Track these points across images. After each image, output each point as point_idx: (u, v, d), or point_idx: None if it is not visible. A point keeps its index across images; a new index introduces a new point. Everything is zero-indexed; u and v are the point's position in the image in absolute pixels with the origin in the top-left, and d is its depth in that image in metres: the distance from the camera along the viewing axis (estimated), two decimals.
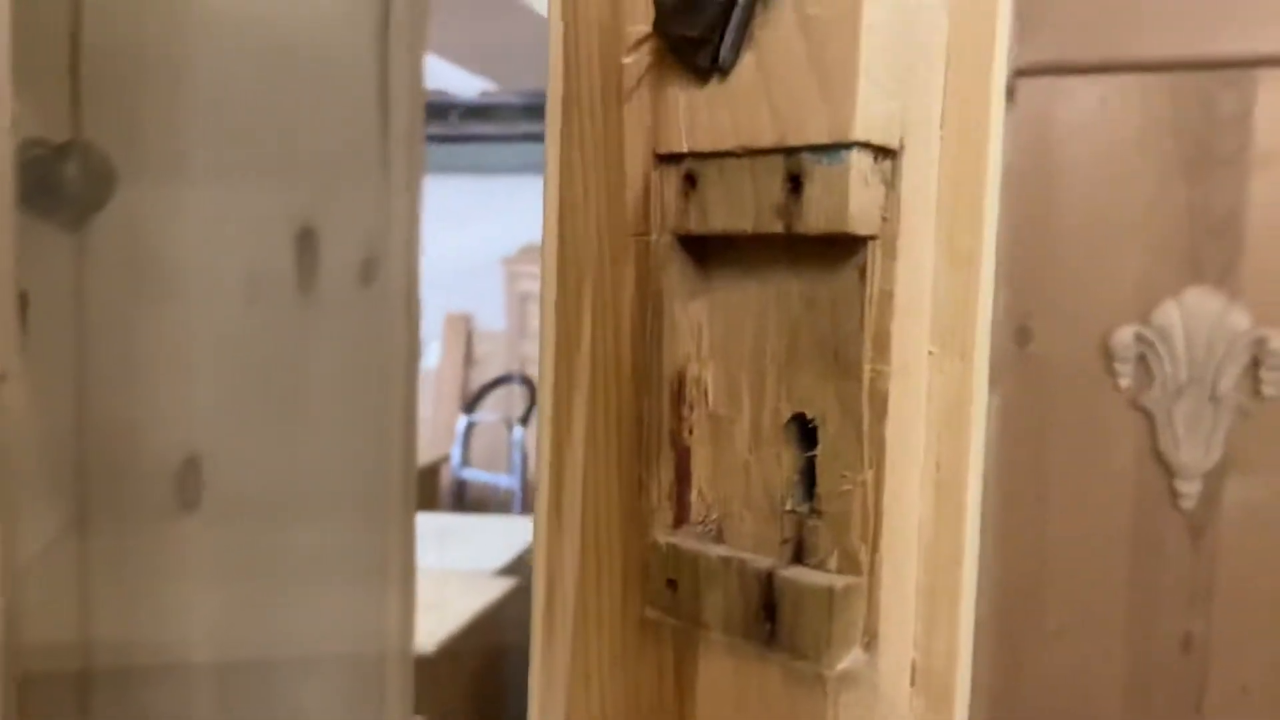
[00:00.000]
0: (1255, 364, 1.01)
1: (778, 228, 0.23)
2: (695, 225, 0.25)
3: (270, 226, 0.90)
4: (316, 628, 1.03)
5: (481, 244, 4.78)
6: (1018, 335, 1.07)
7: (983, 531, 0.79)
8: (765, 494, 0.25)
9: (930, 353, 0.24)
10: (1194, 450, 1.03)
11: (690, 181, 0.25)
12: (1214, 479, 1.03)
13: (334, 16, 1.03)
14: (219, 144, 0.85)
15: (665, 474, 0.26)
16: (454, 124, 4.63)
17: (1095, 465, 1.06)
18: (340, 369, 1.11)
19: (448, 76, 3.93)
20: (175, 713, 0.91)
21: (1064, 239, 1.06)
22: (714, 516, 0.26)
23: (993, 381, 0.87)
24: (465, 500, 4.33)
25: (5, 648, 0.77)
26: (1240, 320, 1.00)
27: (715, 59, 0.24)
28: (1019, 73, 1.08)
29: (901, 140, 0.23)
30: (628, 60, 0.25)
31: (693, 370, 0.26)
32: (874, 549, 0.24)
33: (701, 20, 0.23)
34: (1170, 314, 1.02)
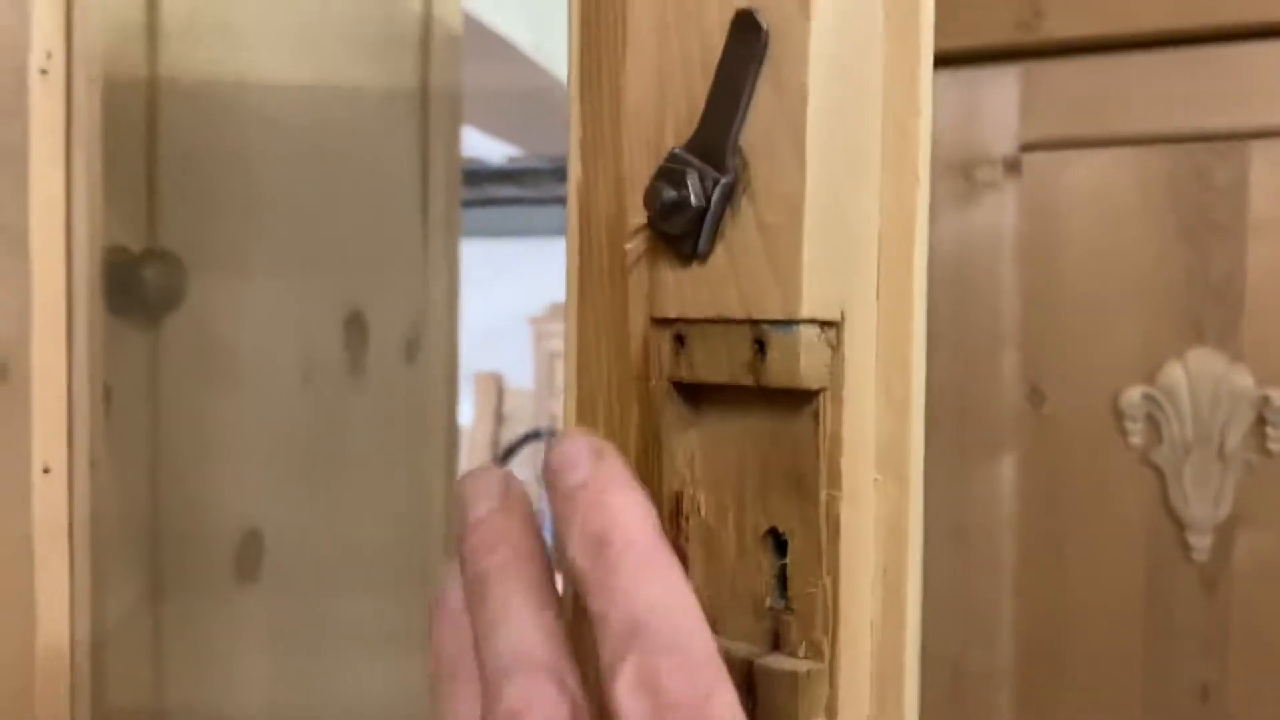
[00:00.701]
0: (1261, 421, 1.05)
1: (749, 381, 0.29)
2: (685, 375, 0.31)
3: (322, 313, 0.96)
4: (367, 694, 1.08)
5: (509, 304, 4.85)
6: (1031, 397, 1.12)
7: (1001, 586, 0.85)
8: (749, 594, 0.31)
9: (875, 479, 0.29)
10: (1204, 505, 1.07)
11: (680, 340, 0.31)
12: (1225, 532, 1.07)
13: (377, 111, 1.11)
14: (276, 240, 0.92)
15: None
16: (483, 188, 4.72)
17: (1109, 520, 1.10)
18: (386, 443, 1.17)
19: (476, 142, 4.02)
20: None
21: (1071, 304, 1.11)
22: (709, 612, 0.31)
23: (1007, 442, 0.92)
24: None
25: (92, 712, 0.84)
26: (1243, 380, 1.05)
27: (695, 249, 0.30)
28: (1024, 148, 1.13)
29: (842, 312, 0.29)
30: (629, 246, 0.31)
31: (688, 490, 0.32)
32: (834, 640, 0.29)
33: (682, 221, 0.29)
34: (1175, 374, 1.07)
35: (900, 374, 0.29)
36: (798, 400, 0.29)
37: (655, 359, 0.32)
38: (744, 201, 0.29)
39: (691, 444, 0.32)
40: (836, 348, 0.29)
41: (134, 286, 0.89)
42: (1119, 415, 1.09)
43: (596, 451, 0.29)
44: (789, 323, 0.28)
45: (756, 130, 0.29)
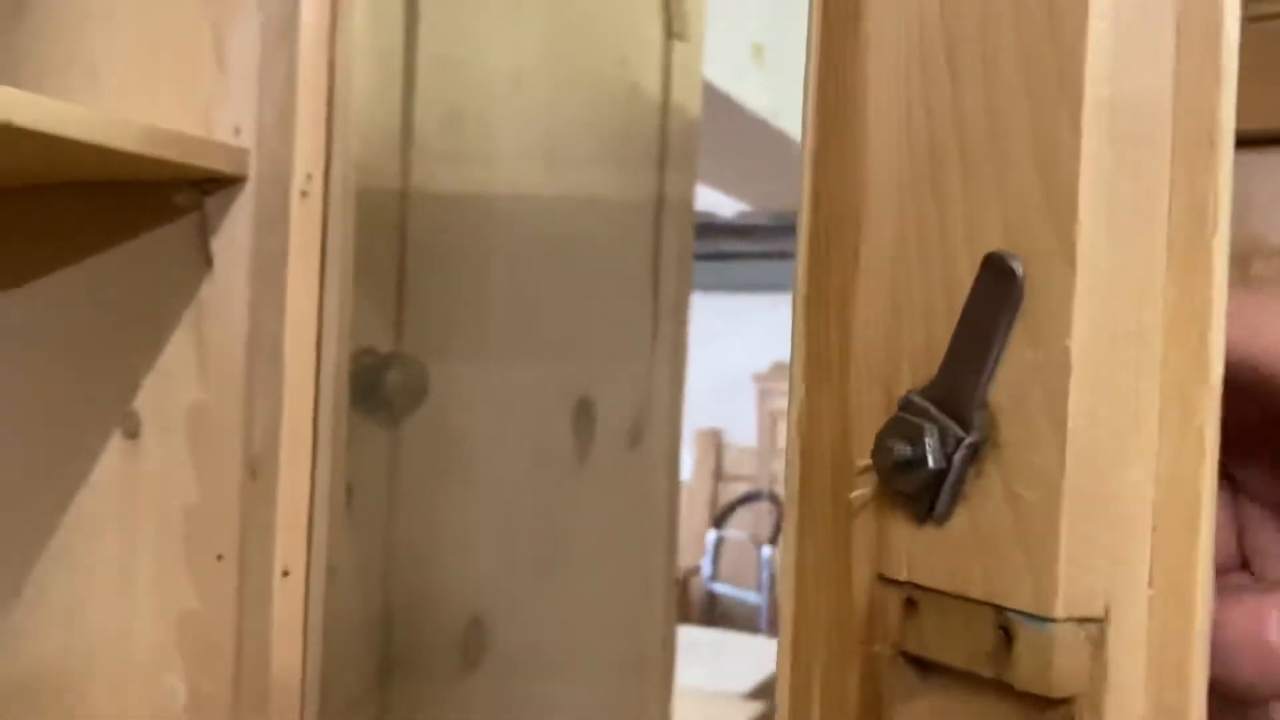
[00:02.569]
0: None
1: (989, 673, 0.24)
2: (914, 647, 0.26)
3: (552, 402, 0.95)
4: None
5: (734, 360, 4.78)
6: None
7: None
8: None
9: None
10: None
11: (911, 605, 0.26)
12: None
13: (614, 211, 1.10)
14: (512, 334, 0.92)
15: None
16: (713, 242, 4.67)
17: None
18: (608, 528, 1.15)
19: (706, 197, 4.02)
20: None
21: None
22: None
23: None
24: (715, 613, 4.33)
25: None
26: None
27: (931, 511, 0.25)
28: None
29: (1107, 608, 0.23)
30: (853, 495, 0.27)
31: None
32: None
33: (916, 481, 0.25)
34: None
35: (1176, 679, 0.23)
36: (1047, 703, 0.24)
37: (881, 621, 0.27)
38: (991, 466, 0.24)
39: (923, 716, 0.27)
40: (1099, 647, 0.24)
41: (379, 388, 0.91)
42: None
43: None
44: (1043, 619, 0.23)
45: (1008, 387, 0.24)
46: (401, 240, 0.90)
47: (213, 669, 0.85)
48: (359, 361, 0.90)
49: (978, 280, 0.24)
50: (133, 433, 0.88)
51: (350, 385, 0.89)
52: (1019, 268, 0.23)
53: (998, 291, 0.24)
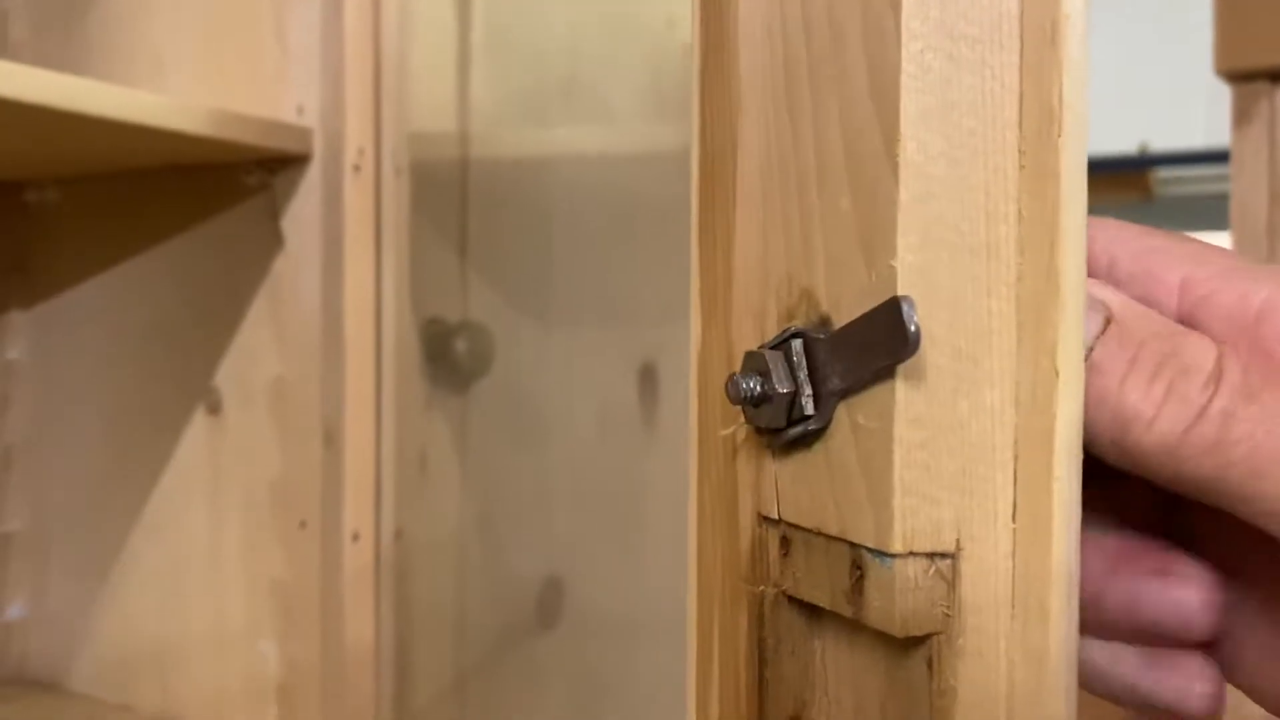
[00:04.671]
0: None
1: (848, 612, 0.23)
2: (789, 588, 0.25)
3: (617, 367, 0.95)
4: None
5: None
6: None
7: None
8: None
9: None
10: None
11: (786, 545, 0.25)
12: None
13: (674, 169, 1.08)
14: (575, 300, 0.92)
15: None
16: None
17: None
18: (678, 491, 1.15)
19: None
20: None
21: None
22: None
23: None
24: None
25: None
26: None
27: (791, 445, 0.24)
28: None
29: (958, 541, 0.22)
30: (726, 433, 0.26)
31: (809, 713, 0.26)
32: None
33: (768, 414, 0.24)
34: None
35: (1039, 618, 0.22)
36: (906, 643, 0.23)
37: (763, 561, 0.26)
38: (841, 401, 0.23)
39: (811, 658, 0.26)
40: (952, 583, 0.22)
41: (448, 356, 0.92)
42: None
43: None
44: (885, 554, 0.22)
45: (852, 310, 0.22)
46: (463, 209, 0.91)
47: (301, 634, 0.88)
48: (428, 331, 0.91)
49: (823, 206, 0.23)
50: (215, 408, 0.92)
51: (420, 354, 0.91)
52: (912, 323, 0.21)
53: (887, 336, 0.22)
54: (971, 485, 0.22)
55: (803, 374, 0.23)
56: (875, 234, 0.21)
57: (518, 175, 0.89)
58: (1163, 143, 3.49)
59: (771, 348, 0.24)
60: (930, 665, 0.22)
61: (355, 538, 0.82)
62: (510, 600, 0.93)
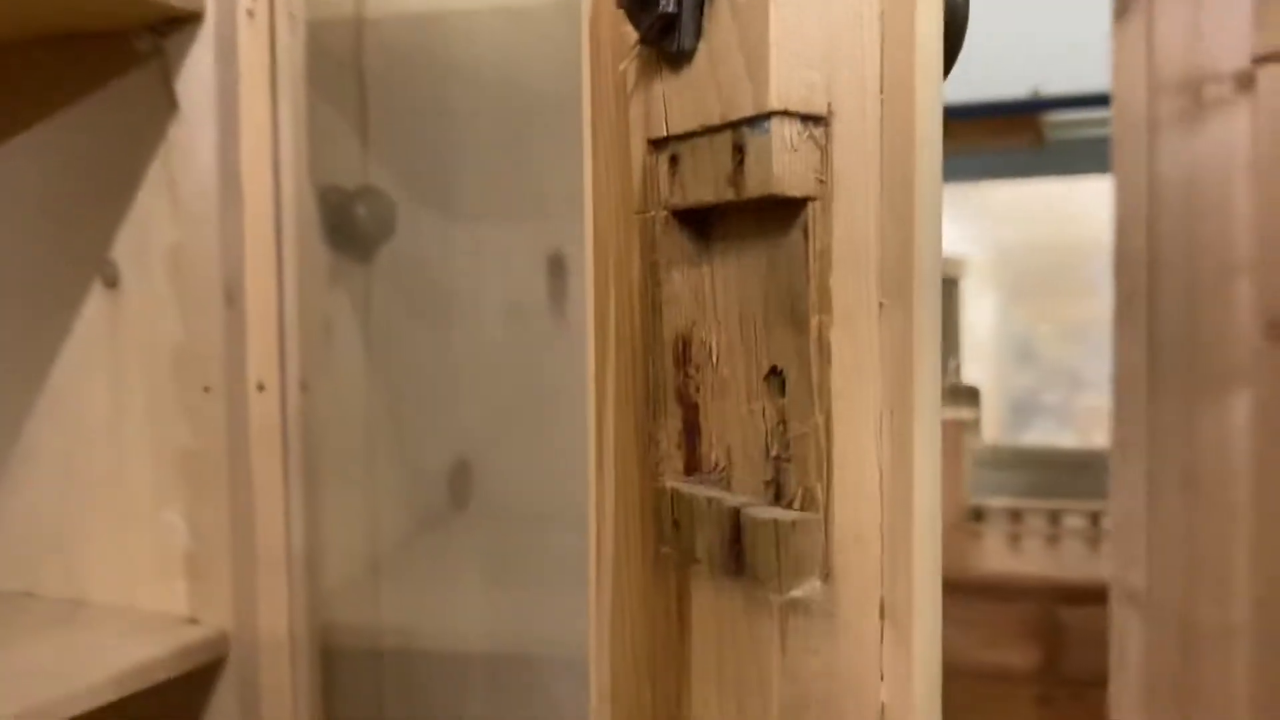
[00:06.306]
0: None
1: (730, 195, 0.24)
2: (678, 200, 0.26)
3: (525, 255, 0.96)
4: (574, 621, 1.08)
5: None
6: (1268, 331, 0.98)
7: (1235, 535, 0.74)
8: (757, 442, 0.26)
9: (881, 304, 0.24)
10: None
11: (675, 161, 0.26)
12: None
13: (576, 63, 1.09)
14: (480, 185, 0.92)
15: (672, 427, 0.28)
16: None
17: None
18: (583, 381, 1.16)
19: None
20: (448, 696, 0.98)
21: None
22: (723, 465, 0.27)
23: (1242, 380, 0.80)
24: None
25: (308, 624, 0.86)
26: None
27: (679, 51, 0.25)
28: (1259, 60, 0.99)
29: (830, 106, 0.23)
30: (622, 66, 0.27)
31: (699, 333, 0.27)
32: (828, 489, 0.24)
33: (652, 17, 0.25)
34: None
35: (904, 180, 0.23)
36: (788, 214, 0.24)
37: (653, 186, 0.27)
38: None
39: (703, 281, 0.27)
40: (825, 148, 0.24)
41: (349, 222, 0.92)
42: None
43: None
44: (761, 118, 0.23)
45: None
46: (359, 74, 0.90)
47: (209, 501, 0.87)
48: (327, 199, 0.91)
49: None
50: (112, 281, 0.90)
51: (320, 222, 0.90)
52: None
53: None
54: (841, 53, 0.23)
55: None
56: None
57: (414, 35, 0.88)
58: (1054, 87, 3.57)
59: None
60: (806, 231, 0.24)
61: (260, 388, 0.81)
62: (421, 473, 0.94)
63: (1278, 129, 0.99)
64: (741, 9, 0.23)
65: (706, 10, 0.24)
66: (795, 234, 0.24)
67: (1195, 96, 1.02)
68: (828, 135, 0.23)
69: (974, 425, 2.60)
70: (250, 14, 0.78)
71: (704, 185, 0.25)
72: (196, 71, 0.85)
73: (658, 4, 0.24)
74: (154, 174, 0.89)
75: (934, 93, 0.23)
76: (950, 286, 2.99)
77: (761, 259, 0.25)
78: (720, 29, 0.24)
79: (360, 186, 0.91)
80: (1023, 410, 3.80)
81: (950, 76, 0.24)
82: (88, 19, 0.82)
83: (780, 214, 0.24)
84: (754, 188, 0.24)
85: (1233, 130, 1.01)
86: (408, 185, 0.92)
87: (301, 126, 0.83)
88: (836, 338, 0.24)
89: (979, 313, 3.51)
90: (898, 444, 0.24)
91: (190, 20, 0.84)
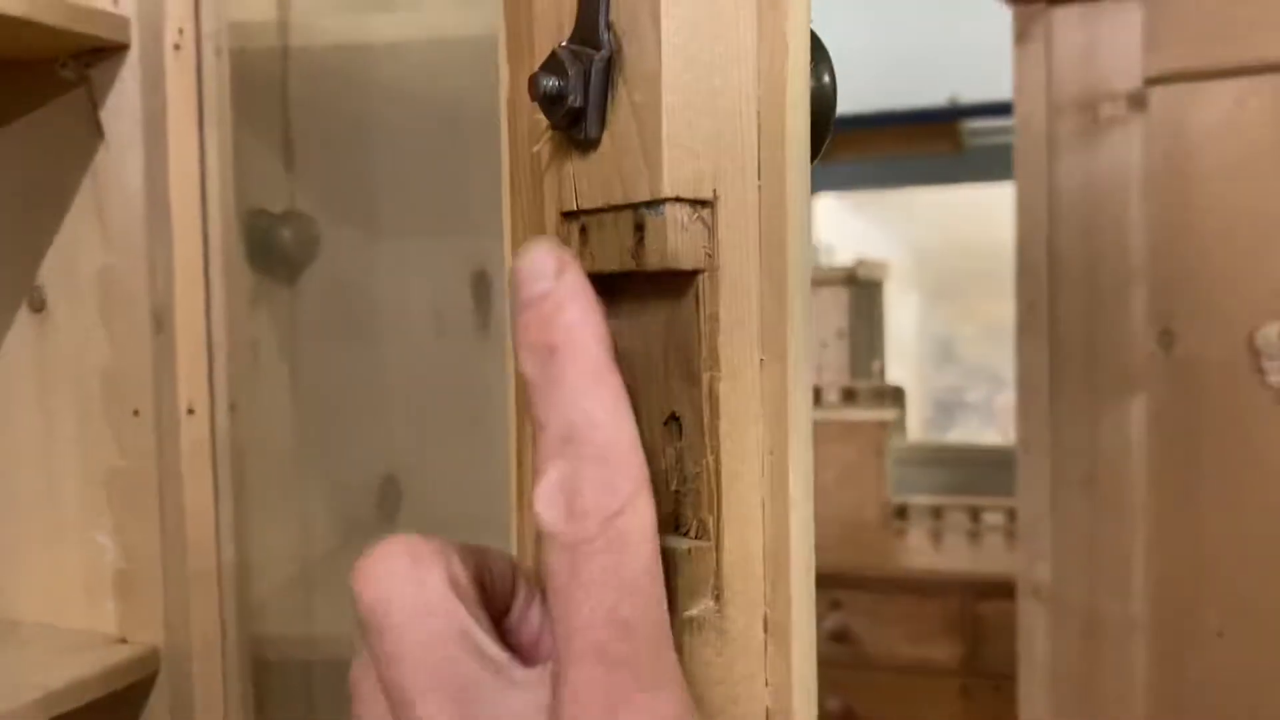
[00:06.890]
0: None
1: (632, 265, 0.28)
2: (589, 266, 0.30)
3: (450, 272, 0.99)
4: None
5: None
6: (1161, 339, 1.04)
7: (1134, 533, 0.80)
8: (661, 478, 0.30)
9: (762, 361, 0.28)
10: None
11: (584, 232, 0.30)
12: None
13: (496, 88, 1.12)
14: (404, 204, 0.95)
15: None
16: None
17: (1248, 463, 1.02)
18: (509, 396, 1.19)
19: None
20: None
21: (1204, 241, 1.03)
22: None
23: (1138, 384, 0.86)
24: None
25: (240, 638, 0.89)
26: None
27: (585, 136, 0.29)
28: (1150, 81, 1.05)
29: (715, 191, 0.27)
30: (536, 148, 0.31)
31: None
32: (718, 520, 0.28)
33: (568, 110, 0.28)
34: None
35: (779, 254, 0.27)
36: (682, 284, 0.28)
37: None
38: (620, 83, 0.28)
39: (613, 335, 0.31)
40: (712, 227, 0.28)
41: (274, 245, 0.94)
42: (1255, 353, 1.00)
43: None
44: (658, 203, 0.27)
45: (624, 9, 0.28)
46: (285, 101, 0.93)
47: (139, 522, 0.89)
48: (252, 222, 0.93)
49: None
50: (38, 306, 0.91)
51: (246, 245, 0.92)
52: None
53: None
54: (724, 145, 0.27)
55: (590, 64, 0.28)
56: None
57: (338, 64, 0.91)
58: (972, 94, 3.67)
59: (565, 46, 0.29)
60: (698, 299, 0.28)
61: (190, 411, 0.83)
62: (349, 490, 0.96)
63: (1169, 146, 1.05)
64: (639, 106, 0.27)
65: (610, 105, 0.28)
66: (689, 301, 0.28)
67: (1092, 115, 1.08)
68: (714, 216, 0.27)
69: (899, 424, 2.68)
70: (177, 47, 0.80)
71: (610, 255, 0.29)
72: (123, 100, 0.87)
73: (566, 99, 0.28)
74: (81, 200, 0.90)
75: (803, 179, 0.27)
76: (873, 289, 3.07)
77: (660, 320, 0.29)
78: (621, 121, 0.28)
79: (285, 210, 0.93)
80: (946, 409, 3.90)
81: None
82: (12, 47, 0.83)
83: (675, 283, 0.28)
84: (653, 261, 0.27)
85: (1127, 147, 1.07)
86: (332, 208, 0.94)
87: (228, 153, 0.86)
88: (724, 390, 0.28)
89: (902, 314, 3.61)
90: (777, 479, 0.28)
91: (116, 50, 0.86)
